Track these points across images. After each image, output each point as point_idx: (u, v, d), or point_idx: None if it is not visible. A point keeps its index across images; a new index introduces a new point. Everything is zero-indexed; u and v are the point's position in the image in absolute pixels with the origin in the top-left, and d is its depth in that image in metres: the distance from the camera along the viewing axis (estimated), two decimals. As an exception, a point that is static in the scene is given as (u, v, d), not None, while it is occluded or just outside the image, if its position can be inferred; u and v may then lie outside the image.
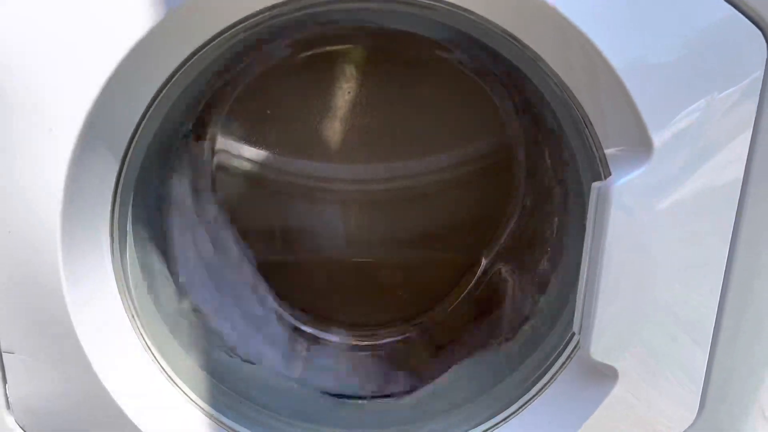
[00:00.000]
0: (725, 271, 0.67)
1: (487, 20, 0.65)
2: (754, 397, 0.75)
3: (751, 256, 0.67)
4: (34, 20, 0.62)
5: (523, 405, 0.79)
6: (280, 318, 1.15)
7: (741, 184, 0.64)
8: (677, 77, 0.61)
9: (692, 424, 0.74)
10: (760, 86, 0.61)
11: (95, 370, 0.72)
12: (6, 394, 0.76)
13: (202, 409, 0.81)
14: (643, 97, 0.61)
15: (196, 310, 0.94)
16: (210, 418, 0.81)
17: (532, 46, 0.65)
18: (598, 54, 0.60)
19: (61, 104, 0.63)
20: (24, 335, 0.72)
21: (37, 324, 0.71)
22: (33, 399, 0.76)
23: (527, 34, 0.65)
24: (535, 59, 0.67)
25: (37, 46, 0.63)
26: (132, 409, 0.74)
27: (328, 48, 1.04)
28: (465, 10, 0.65)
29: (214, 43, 0.67)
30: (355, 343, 1.17)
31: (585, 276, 0.69)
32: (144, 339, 0.78)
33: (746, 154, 0.63)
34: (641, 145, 0.62)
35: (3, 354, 0.74)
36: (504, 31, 0.65)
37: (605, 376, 0.72)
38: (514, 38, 0.66)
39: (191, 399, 0.81)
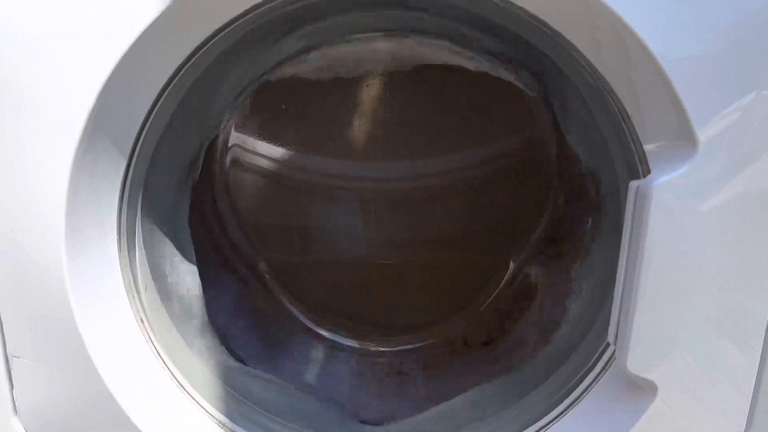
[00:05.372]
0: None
1: (513, 4, 0.63)
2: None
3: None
4: (36, 14, 0.62)
5: (552, 420, 0.77)
6: (294, 322, 1.14)
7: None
8: (724, 69, 0.58)
9: (740, 442, 0.72)
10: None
11: (100, 374, 0.71)
12: (13, 398, 0.76)
13: (213, 416, 0.80)
14: (687, 90, 0.58)
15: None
16: (221, 427, 0.80)
17: (563, 32, 0.63)
18: (638, 42, 0.57)
19: (64, 96, 0.63)
20: (30, 339, 0.72)
21: (42, 327, 0.71)
22: (40, 403, 0.76)
23: (557, 19, 0.63)
24: (567, 47, 0.64)
25: (39, 39, 0.62)
26: (138, 415, 0.73)
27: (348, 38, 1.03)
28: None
29: (222, 34, 0.66)
30: (373, 349, 1.16)
31: (621, 282, 0.67)
32: (153, 343, 0.77)
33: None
34: (684, 141, 0.59)
35: (10, 358, 0.73)
36: (533, 16, 0.63)
37: (642, 389, 0.69)
38: (544, 24, 0.63)
39: (201, 406, 0.80)
